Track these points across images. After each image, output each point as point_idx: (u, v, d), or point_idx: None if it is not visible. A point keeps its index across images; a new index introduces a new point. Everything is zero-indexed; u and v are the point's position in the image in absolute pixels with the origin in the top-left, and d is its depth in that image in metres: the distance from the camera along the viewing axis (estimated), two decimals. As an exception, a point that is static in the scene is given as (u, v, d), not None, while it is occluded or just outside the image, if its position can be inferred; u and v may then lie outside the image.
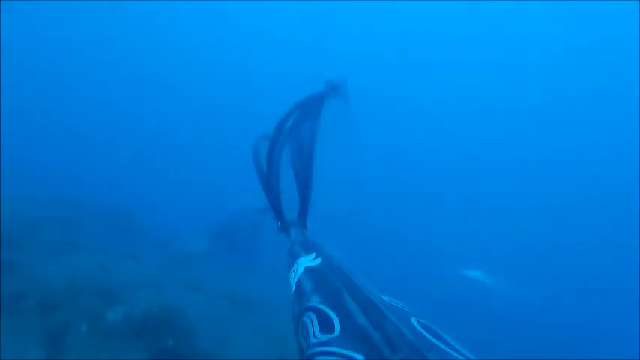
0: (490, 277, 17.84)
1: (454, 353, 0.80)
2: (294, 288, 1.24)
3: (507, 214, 26.23)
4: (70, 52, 32.45)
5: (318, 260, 1.28)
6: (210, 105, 32.14)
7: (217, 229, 11.75)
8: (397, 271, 15.40)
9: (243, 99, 32.60)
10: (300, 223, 1.76)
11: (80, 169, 15.28)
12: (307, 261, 1.31)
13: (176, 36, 36.30)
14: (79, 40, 33.30)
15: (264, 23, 38.16)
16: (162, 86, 33.01)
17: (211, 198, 15.89)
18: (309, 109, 1.99)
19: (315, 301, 1.06)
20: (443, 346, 0.82)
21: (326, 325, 0.94)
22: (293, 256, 1.42)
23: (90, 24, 33.06)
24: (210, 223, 12.11)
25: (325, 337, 0.91)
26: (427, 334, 0.86)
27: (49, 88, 27.02)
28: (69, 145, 18.73)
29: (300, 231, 1.67)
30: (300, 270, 1.27)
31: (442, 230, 21.94)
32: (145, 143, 22.43)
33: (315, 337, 0.93)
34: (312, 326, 0.97)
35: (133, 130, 24.25)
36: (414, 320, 0.93)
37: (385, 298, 1.04)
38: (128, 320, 4.81)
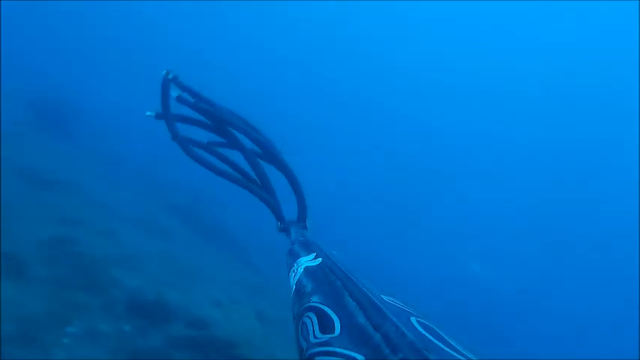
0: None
1: (454, 353, 0.83)
2: (294, 288, 1.25)
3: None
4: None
5: (319, 260, 1.28)
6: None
7: (38, 102, 11.04)
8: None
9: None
10: (301, 224, 1.75)
11: None
12: (307, 261, 1.31)
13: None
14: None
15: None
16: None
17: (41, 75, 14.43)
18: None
19: (315, 301, 1.07)
20: (443, 347, 0.85)
21: (326, 325, 0.96)
22: (293, 257, 1.41)
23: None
24: (31, 95, 11.27)
25: (325, 337, 0.92)
26: (427, 335, 0.89)
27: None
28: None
29: (300, 231, 1.66)
30: (301, 270, 1.28)
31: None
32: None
33: (315, 337, 0.95)
34: (313, 326, 0.99)
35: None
36: (414, 320, 0.95)
37: (385, 298, 1.05)
38: None
